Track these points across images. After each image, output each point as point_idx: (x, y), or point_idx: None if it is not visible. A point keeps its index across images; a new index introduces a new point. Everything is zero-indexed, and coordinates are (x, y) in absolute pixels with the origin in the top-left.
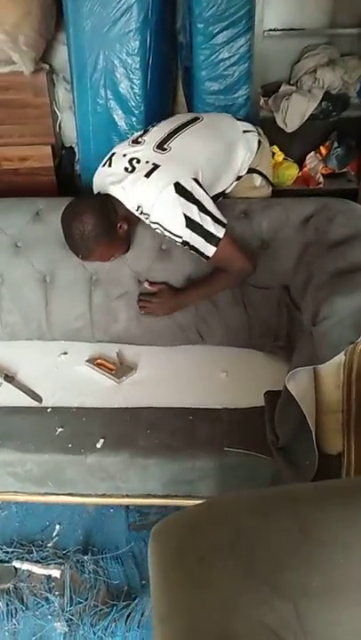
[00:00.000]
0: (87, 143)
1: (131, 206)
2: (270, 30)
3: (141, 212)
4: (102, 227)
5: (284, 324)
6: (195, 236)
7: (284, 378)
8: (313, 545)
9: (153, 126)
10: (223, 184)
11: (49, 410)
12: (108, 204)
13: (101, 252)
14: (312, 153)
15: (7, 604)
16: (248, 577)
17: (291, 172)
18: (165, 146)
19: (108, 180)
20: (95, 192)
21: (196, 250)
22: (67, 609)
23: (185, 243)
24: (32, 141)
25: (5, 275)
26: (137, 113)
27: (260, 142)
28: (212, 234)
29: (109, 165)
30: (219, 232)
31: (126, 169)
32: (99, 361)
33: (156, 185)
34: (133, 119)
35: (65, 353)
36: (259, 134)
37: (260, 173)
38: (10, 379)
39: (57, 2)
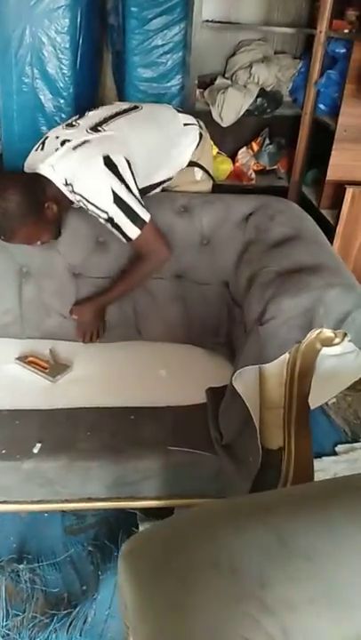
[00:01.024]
0: (10, 123)
1: (59, 182)
2: (207, 21)
3: (66, 184)
4: (27, 204)
5: (224, 321)
6: (120, 213)
7: (225, 374)
8: (294, 558)
9: (90, 111)
10: (161, 175)
11: None
12: (34, 181)
13: (27, 234)
14: (244, 148)
15: None
16: (234, 596)
17: (225, 167)
18: (99, 128)
19: (39, 160)
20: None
21: (119, 229)
22: (2, 623)
23: (109, 219)
24: None
25: None
26: (65, 95)
27: (201, 135)
28: (138, 215)
29: (42, 149)
30: (145, 215)
31: (57, 150)
32: (30, 359)
33: (82, 155)
34: (61, 101)
35: None
36: (200, 127)
37: (201, 167)
38: None
39: None
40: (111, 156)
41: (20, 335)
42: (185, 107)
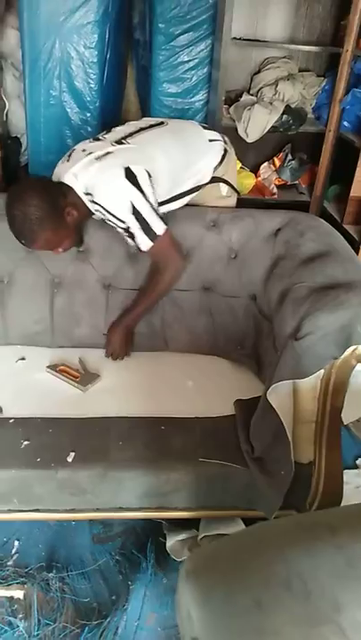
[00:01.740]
0: (37, 135)
1: (80, 190)
2: (235, 39)
3: (87, 194)
4: (47, 209)
5: (251, 333)
6: (137, 224)
7: (251, 386)
8: None
9: (117, 127)
10: (183, 188)
11: (11, 421)
12: (55, 188)
13: (47, 239)
14: (266, 163)
15: None
16: (310, 619)
17: (249, 182)
18: (124, 141)
19: (64, 171)
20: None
21: (134, 239)
22: (34, 633)
23: (126, 229)
24: None
25: None
26: (91, 108)
27: (225, 151)
28: (154, 227)
29: (68, 161)
30: (160, 227)
31: (81, 160)
32: (61, 367)
33: (104, 166)
34: (88, 114)
35: (23, 358)
36: (225, 143)
37: (227, 182)
38: None
39: None
40: (132, 168)
41: (51, 344)
42: (210, 122)
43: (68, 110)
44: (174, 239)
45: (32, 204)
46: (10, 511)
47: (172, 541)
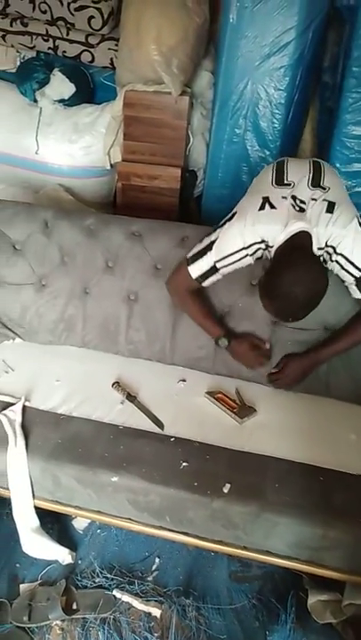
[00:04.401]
0: (215, 170)
1: (316, 245)
2: None
3: (325, 246)
4: (326, 283)
5: None
6: None
7: None
8: None
9: (280, 167)
10: None
11: (172, 440)
12: (316, 256)
13: None
14: None
15: (107, 638)
16: None
17: None
18: (322, 184)
19: (287, 220)
20: (272, 233)
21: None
22: None
23: (359, 279)
24: (162, 161)
25: (141, 294)
26: (272, 147)
27: None
28: None
29: (271, 207)
30: None
31: (293, 206)
32: (219, 395)
33: (342, 220)
34: (267, 152)
35: (183, 380)
36: None
37: None
38: (132, 398)
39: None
40: (358, 218)
41: (210, 370)
42: None
43: (249, 148)
44: None
45: (320, 285)
46: (161, 528)
47: (313, 600)
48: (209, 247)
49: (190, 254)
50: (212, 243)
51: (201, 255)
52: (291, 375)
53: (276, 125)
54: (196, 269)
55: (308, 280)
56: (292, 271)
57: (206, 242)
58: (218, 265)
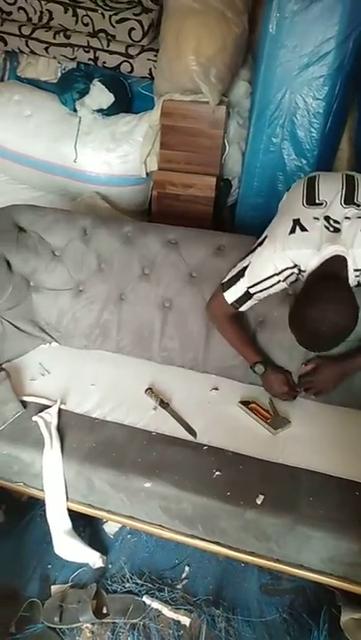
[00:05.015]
0: (251, 179)
1: (354, 267)
2: None
3: (360, 269)
4: (356, 318)
5: None
6: None
7: None
8: None
9: (311, 184)
10: None
11: (205, 448)
12: (348, 288)
13: None
14: None
15: None
16: None
17: None
18: (356, 201)
19: (320, 243)
20: (304, 257)
21: None
22: None
23: None
24: (197, 170)
25: (175, 301)
26: (309, 156)
27: None
28: None
29: (302, 230)
30: None
31: (327, 227)
32: (252, 405)
33: None
34: (304, 162)
35: (216, 388)
36: None
37: None
38: (164, 405)
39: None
40: None
41: (243, 379)
42: None
43: (285, 157)
44: None
45: (350, 316)
46: (192, 536)
47: (346, 617)
48: (241, 273)
49: (225, 280)
50: (245, 268)
51: (235, 281)
52: (323, 381)
53: (313, 134)
54: (231, 295)
55: (335, 317)
56: (320, 307)
57: (239, 267)
58: (251, 291)
